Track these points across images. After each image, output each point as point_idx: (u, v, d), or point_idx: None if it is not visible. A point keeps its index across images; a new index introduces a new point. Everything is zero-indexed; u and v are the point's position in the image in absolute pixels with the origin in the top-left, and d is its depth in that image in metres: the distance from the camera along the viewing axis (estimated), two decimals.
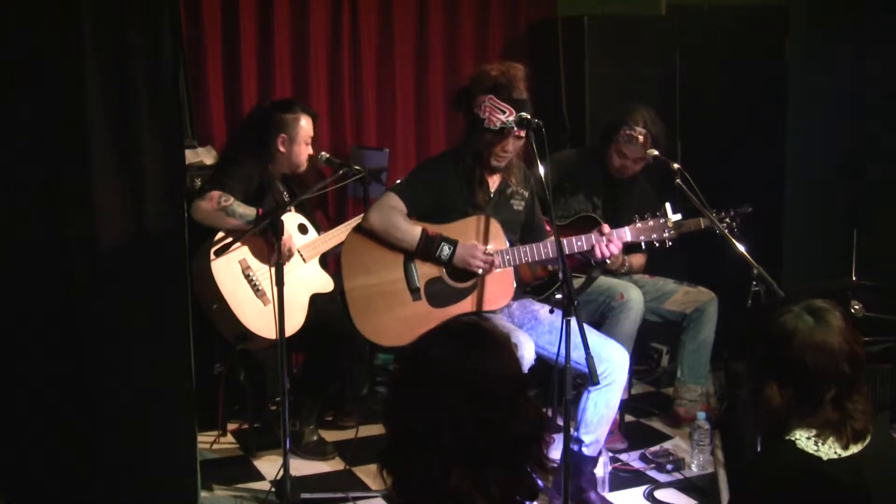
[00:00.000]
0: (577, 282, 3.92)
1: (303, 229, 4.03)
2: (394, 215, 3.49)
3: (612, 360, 3.45)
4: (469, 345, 1.63)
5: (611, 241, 3.52)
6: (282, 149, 4.00)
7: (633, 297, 4.08)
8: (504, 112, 3.39)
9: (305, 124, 4.03)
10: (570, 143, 4.59)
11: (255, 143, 4.01)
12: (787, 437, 2.05)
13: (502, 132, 3.42)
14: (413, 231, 3.48)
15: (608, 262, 3.63)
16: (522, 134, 3.40)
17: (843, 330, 2.06)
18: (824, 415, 2.03)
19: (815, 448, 2.02)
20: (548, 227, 3.78)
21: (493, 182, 3.64)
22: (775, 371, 2.07)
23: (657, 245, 3.65)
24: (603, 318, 4.07)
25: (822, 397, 2.03)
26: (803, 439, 2.03)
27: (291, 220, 3.98)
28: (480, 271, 3.48)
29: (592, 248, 3.52)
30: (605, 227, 3.53)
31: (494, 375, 1.60)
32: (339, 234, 4.01)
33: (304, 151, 4.03)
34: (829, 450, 2.02)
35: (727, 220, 3.89)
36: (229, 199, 3.71)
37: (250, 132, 4.10)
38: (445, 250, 3.46)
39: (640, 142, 4.15)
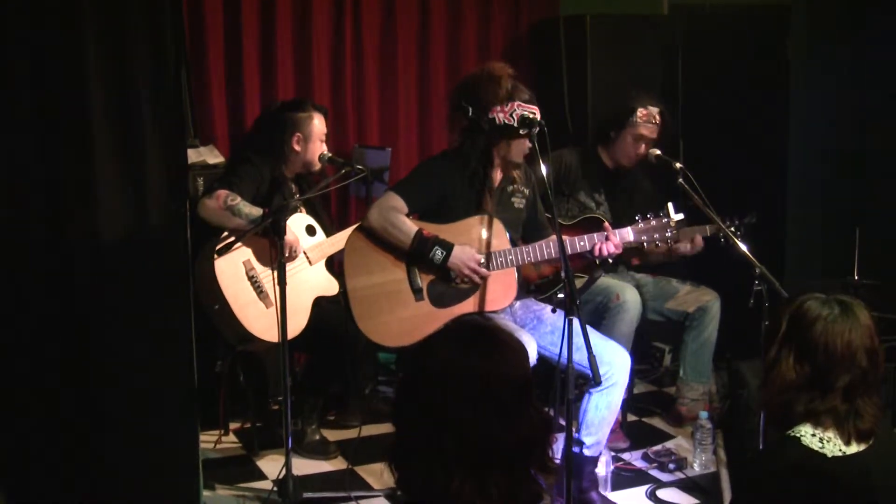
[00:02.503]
0: (580, 282, 3.92)
1: (311, 231, 4.02)
2: (392, 214, 3.49)
3: (614, 361, 3.45)
4: (474, 346, 1.62)
5: (610, 240, 3.53)
6: (297, 148, 3.99)
7: (629, 299, 4.07)
8: (533, 112, 3.46)
9: (318, 122, 4.04)
10: (573, 143, 4.58)
11: (268, 144, 4.00)
12: (792, 434, 2.05)
13: (533, 131, 3.43)
14: (408, 231, 3.48)
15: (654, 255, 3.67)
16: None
17: (869, 326, 2.09)
18: (832, 402, 2.04)
19: (820, 445, 2.03)
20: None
21: (495, 180, 3.64)
22: (795, 347, 2.09)
23: (658, 245, 3.65)
24: (600, 319, 4.06)
25: (834, 383, 2.05)
26: (808, 436, 2.04)
27: (299, 221, 3.98)
28: (465, 285, 3.49)
29: (594, 247, 3.53)
30: (606, 226, 3.55)
31: (498, 378, 1.59)
32: (345, 237, 3.99)
33: (318, 149, 4.03)
34: (834, 447, 2.03)
35: (731, 228, 3.89)
36: (236, 198, 3.71)
37: (263, 134, 4.09)
38: (438, 254, 3.45)
39: (657, 120, 4.20)
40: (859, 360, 2.05)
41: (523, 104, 3.47)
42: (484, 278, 3.49)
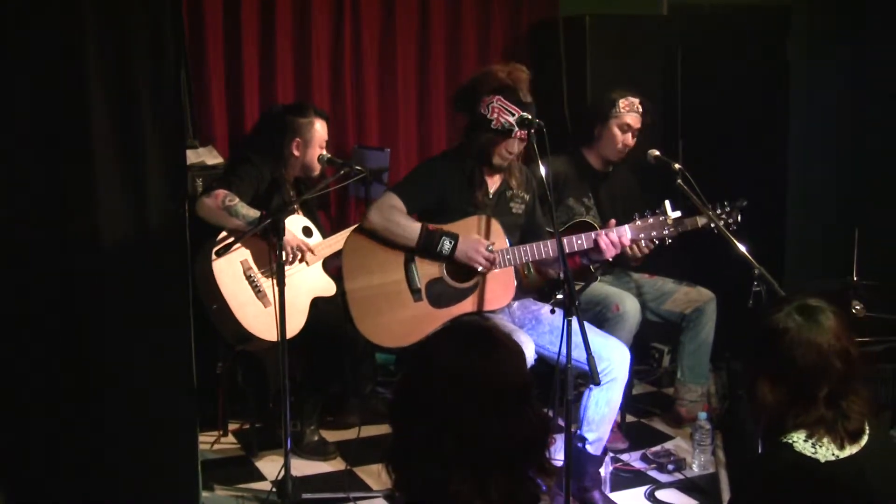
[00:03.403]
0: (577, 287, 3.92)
1: (307, 232, 4.02)
2: (394, 214, 3.49)
3: (613, 357, 3.45)
4: (473, 346, 1.62)
5: (609, 236, 3.52)
6: (296, 153, 4.00)
7: (629, 309, 4.06)
8: (513, 114, 3.41)
9: (319, 128, 4.04)
10: (572, 144, 4.58)
11: (268, 147, 4.01)
12: (785, 440, 2.05)
13: (508, 132, 3.43)
14: (413, 227, 3.47)
15: (632, 261, 3.65)
16: (525, 136, 3.42)
17: (835, 328, 2.07)
18: (818, 412, 2.04)
19: (813, 450, 2.02)
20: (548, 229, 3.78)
21: (493, 183, 3.64)
22: (767, 369, 2.09)
23: (657, 243, 3.65)
24: (598, 328, 4.04)
25: (814, 395, 2.04)
26: (801, 442, 2.04)
27: (296, 222, 3.98)
28: (481, 269, 3.48)
29: (596, 245, 3.51)
30: (612, 222, 3.56)
31: (498, 378, 1.59)
32: (343, 239, 4.00)
33: (317, 154, 4.03)
34: (827, 451, 2.02)
35: (723, 215, 3.87)
36: (234, 199, 3.71)
37: (263, 137, 4.10)
38: (447, 245, 3.45)
39: (639, 109, 4.24)
40: (833, 364, 2.04)
41: (503, 99, 3.43)
42: (492, 263, 3.47)
